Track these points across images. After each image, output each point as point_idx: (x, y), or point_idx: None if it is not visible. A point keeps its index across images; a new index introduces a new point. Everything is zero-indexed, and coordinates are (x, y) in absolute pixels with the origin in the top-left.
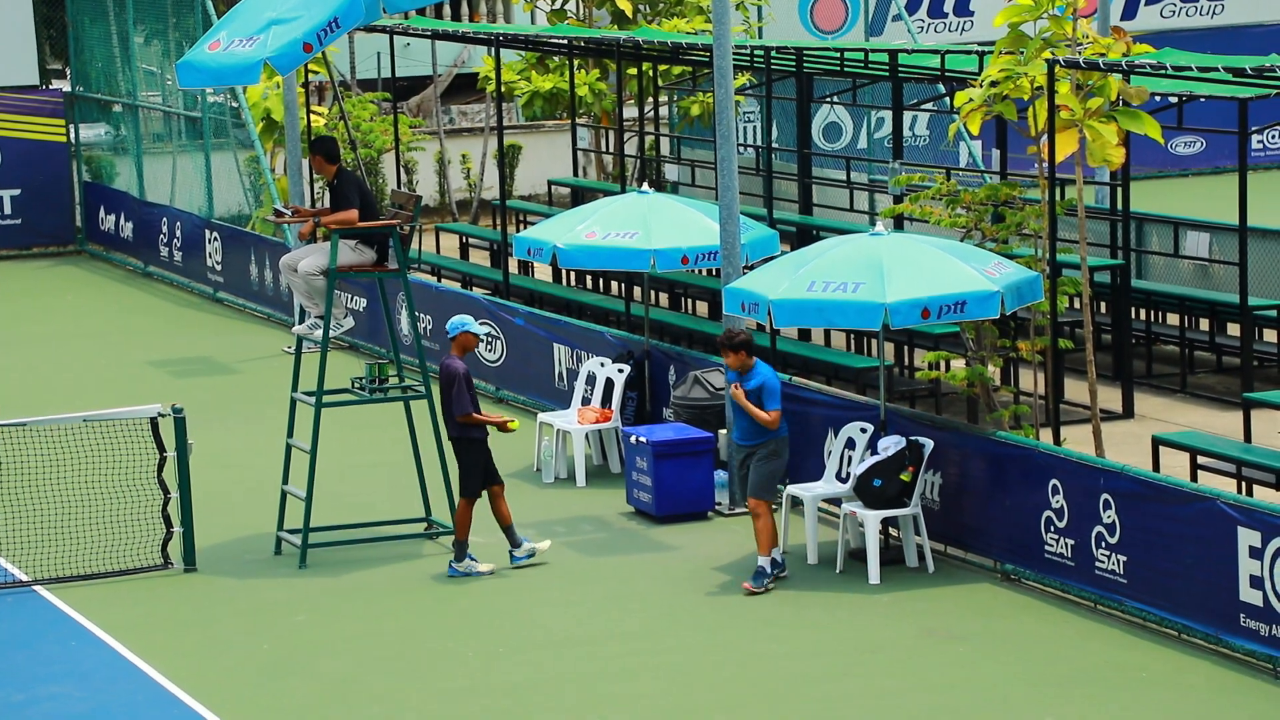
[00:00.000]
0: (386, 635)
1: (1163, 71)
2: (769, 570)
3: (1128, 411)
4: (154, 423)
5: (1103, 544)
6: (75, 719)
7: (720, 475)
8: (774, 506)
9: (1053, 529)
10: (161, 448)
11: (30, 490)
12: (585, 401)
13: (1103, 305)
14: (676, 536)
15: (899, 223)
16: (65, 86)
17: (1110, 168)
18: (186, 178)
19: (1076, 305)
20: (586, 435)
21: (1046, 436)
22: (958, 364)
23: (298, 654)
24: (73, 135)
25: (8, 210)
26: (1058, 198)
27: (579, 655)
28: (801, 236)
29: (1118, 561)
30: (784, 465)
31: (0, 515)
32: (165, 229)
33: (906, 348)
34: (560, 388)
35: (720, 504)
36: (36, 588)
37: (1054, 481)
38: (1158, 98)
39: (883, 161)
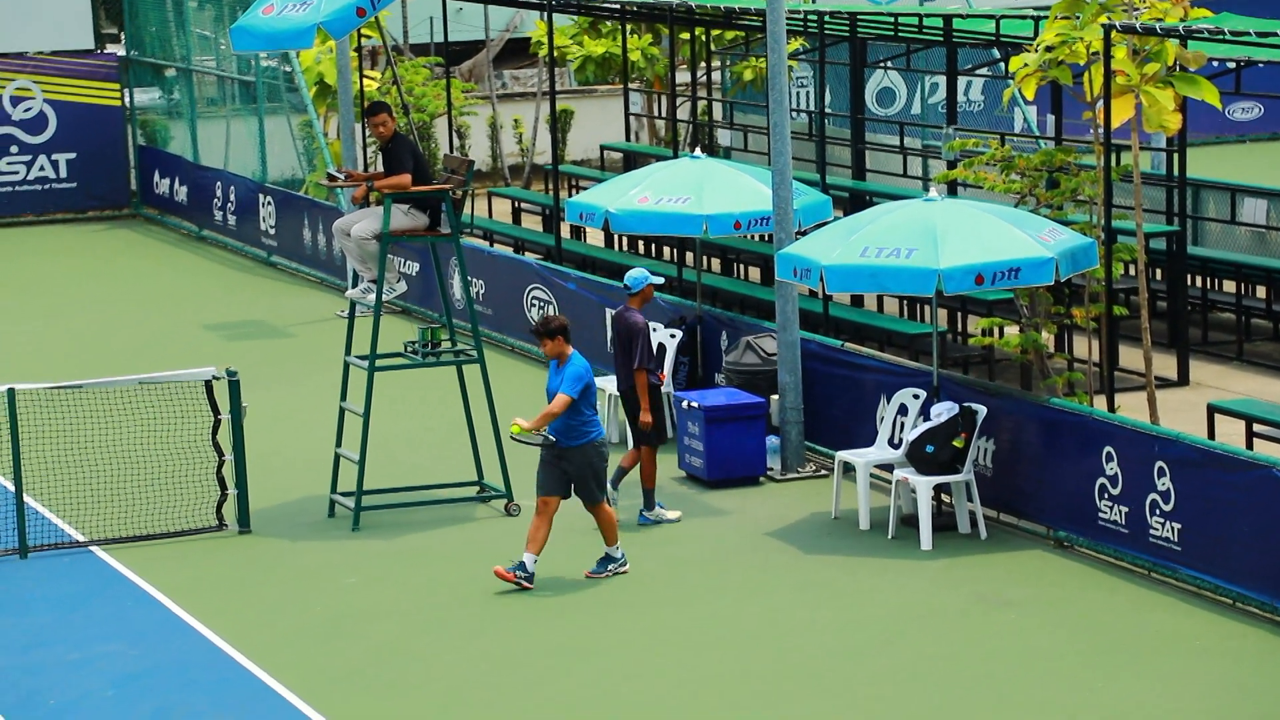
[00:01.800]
0: (437, 599)
1: (1220, 36)
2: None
3: (1183, 379)
4: (209, 385)
5: (1157, 511)
6: (130, 678)
7: (772, 440)
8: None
9: (1106, 496)
10: (216, 410)
11: (87, 452)
12: None
13: (1158, 272)
14: (728, 501)
15: (953, 188)
16: (120, 51)
17: (1166, 133)
18: (240, 142)
19: (1131, 272)
20: None
21: (1101, 403)
22: (1011, 330)
23: (348, 616)
24: (127, 99)
25: (63, 174)
26: (1113, 163)
27: (627, 619)
28: (854, 202)
29: (1172, 529)
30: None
31: (58, 477)
32: (219, 193)
33: (960, 314)
34: (612, 352)
35: (772, 469)
36: (93, 548)
37: (1108, 449)
38: (1215, 63)
39: (936, 127)
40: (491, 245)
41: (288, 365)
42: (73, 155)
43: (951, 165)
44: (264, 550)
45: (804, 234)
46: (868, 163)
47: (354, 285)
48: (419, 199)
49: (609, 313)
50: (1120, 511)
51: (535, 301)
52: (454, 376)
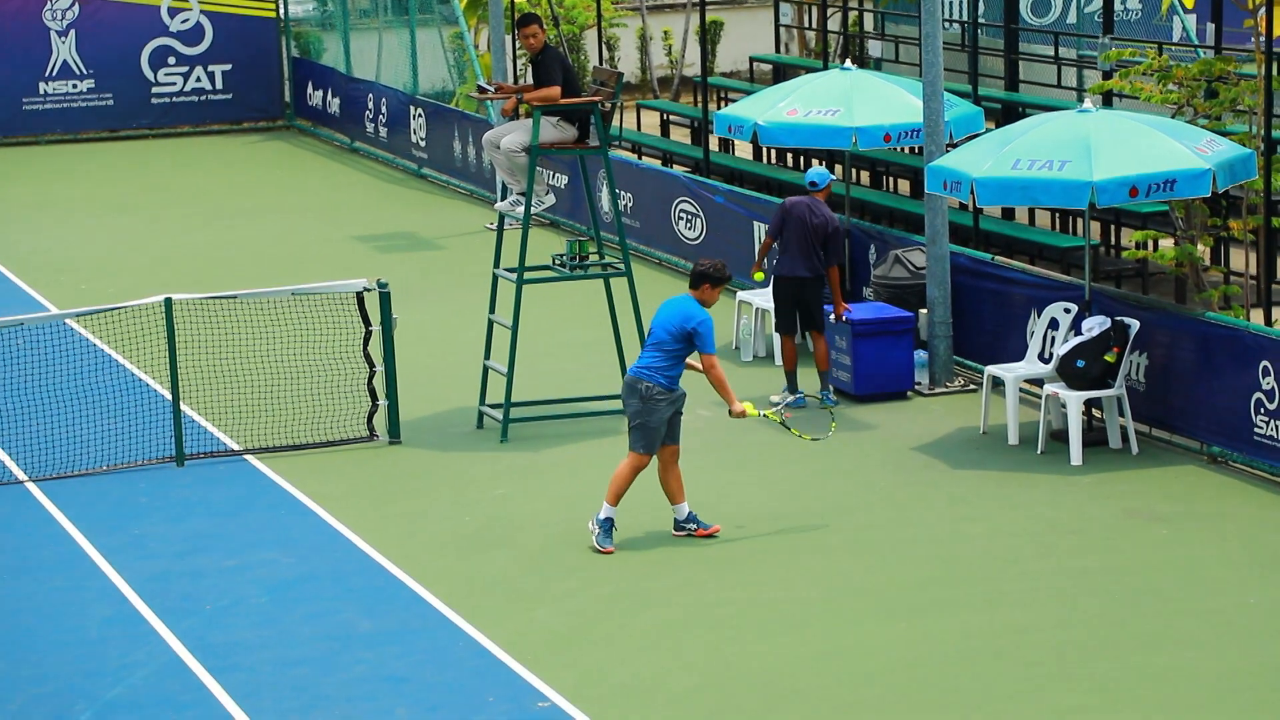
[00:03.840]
0: (584, 510)
1: None
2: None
3: None
4: (360, 297)
5: None
6: (285, 584)
7: (920, 355)
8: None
9: (1262, 411)
10: (367, 321)
11: (240, 362)
12: None
13: None
14: (875, 415)
15: (1108, 99)
16: None
17: None
18: (392, 54)
19: None
20: None
21: (1257, 317)
22: (1166, 243)
23: (497, 527)
24: (282, 11)
25: (219, 85)
26: (1275, 72)
27: (773, 531)
28: (1007, 113)
29: None
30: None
31: (212, 387)
32: (371, 105)
33: (1113, 226)
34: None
35: (919, 384)
36: (247, 457)
37: (1264, 363)
38: None
39: (1092, 37)
40: (640, 158)
41: (437, 277)
42: (228, 67)
43: (1107, 76)
44: (414, 461)
45: (955, 146)
46: (1021, 74)
47: (503, 198)
48: (568, 111)
49: (757, 226)
50: (1276, 426)
51: (683, 215)
52: (601, 289)
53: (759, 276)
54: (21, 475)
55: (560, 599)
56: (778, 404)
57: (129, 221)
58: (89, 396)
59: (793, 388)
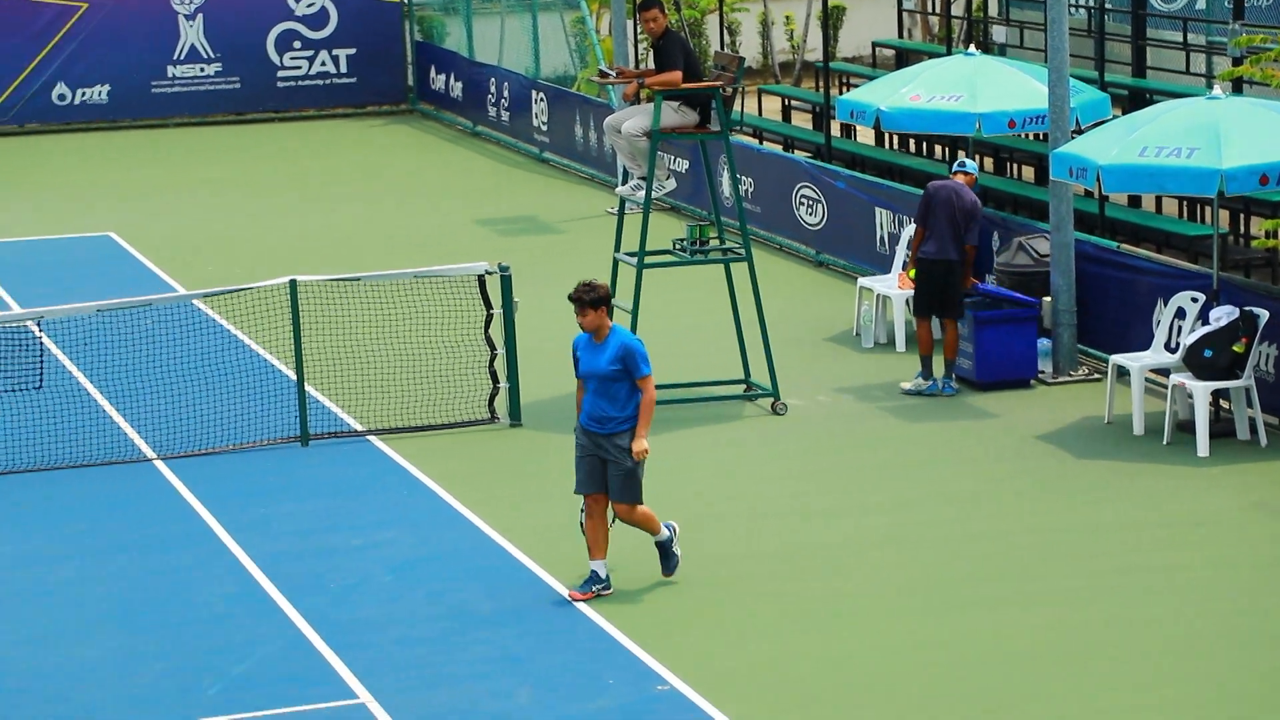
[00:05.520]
0: (704, 496)
1: None
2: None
3: None
4: (481, 280)
5: None
6: (406, 564)
7: (1044, 343)
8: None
9: None
10: (488, 304)
11: (363, 344)
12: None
13: None
14: (997, 404)
15: (1237, 86)
16: None
17: None
18: (514, 38)
19: None
20: (906, 300)
21: None
22: None
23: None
24: None
25: (343, 69)
26: None
27: (890, 520)
28: (1134, 100)
29: None
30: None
31: (336, 368)
32: (493, 89)
33: (1242, 215)
34: (881, 252)
35: (1043, 372)
36: (370, 437)
37: None
38: None
39: (1222, 22)
40: (761, 143)
41: (558, 261)
42: (353, 51)
43: (1237, 62)
44: (534, 443)
45: (1080, 133)
46: (1148, 59)
47: (624, 182)
48: (689, 96)
49: (879, 212)
50: None
51: (804, 200)
52: (722, 274)
53: (913, 274)
54: (150, 453)
55: (678, 584)
56: (909, 390)
57: (254, 204)
58: (215, 376)
59: (927, 373)
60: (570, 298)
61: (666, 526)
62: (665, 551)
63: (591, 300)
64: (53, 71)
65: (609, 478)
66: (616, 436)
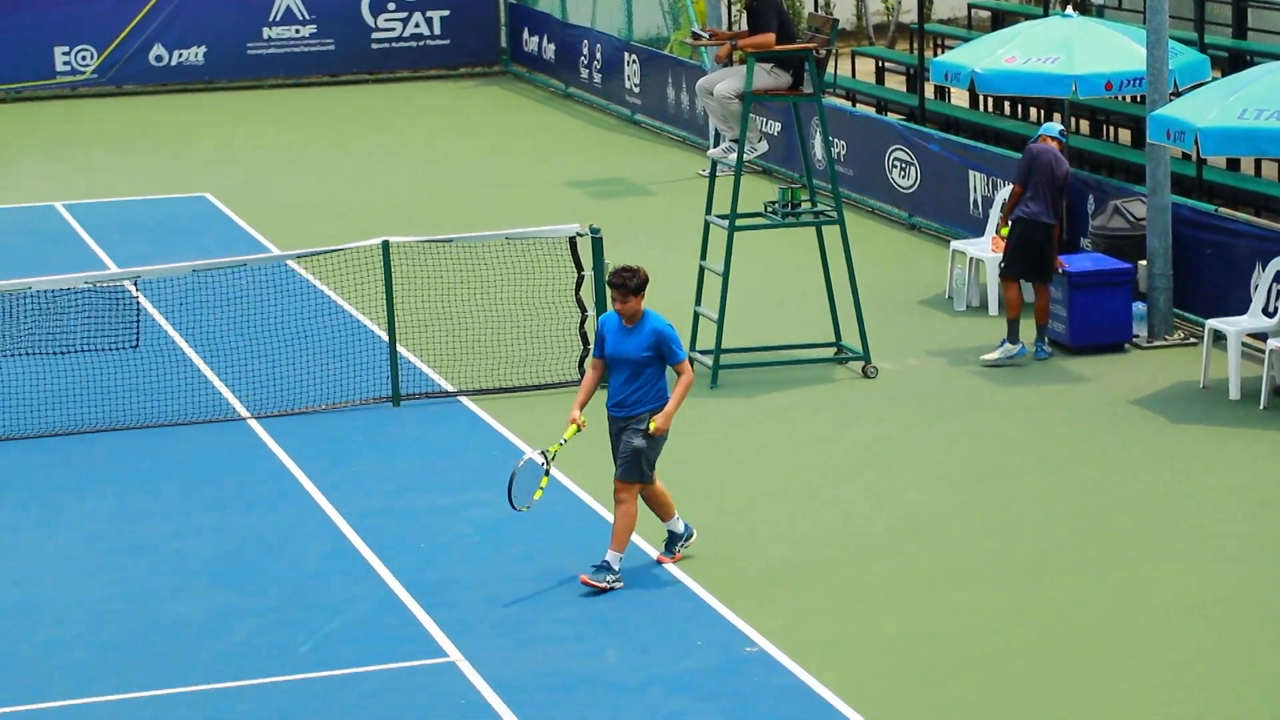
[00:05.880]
0: (794, 458)
1: None
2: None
3: None
4: (572, 242)
5: None
6: (495, 524)
7: (1139, 307)
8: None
9: None
10: (579, 266)
11: (454, 305)
12: None
13: None
14: (1090, 368)
15: None
16: None
17: None
18: (607, 0)
19: None
20: (999, 263)
21: None
22: None
23: (704, 473)
24: None
25: (437, 30)
26: None
27: (982, 486)
28: (1234, 62)
29: None
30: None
31: (427, 329)
32: (585, 51)
33: None
34: (975, 215)
35: (1138, 336)
36: (461, 398)
37: None
38: None
39: None
40: (854, 105)
41: (649, 223)
42: (446, 12)
43: None
44: None
45: (1179, 95)
46: (1250, 21)
47: (715, 144)
48: (782, 58)
49: (972, 174)
50: None
51: (897, 163)
52: (813, 237)
53: (1005, 232)
54: (245, 412)
55: (765, 546)
56: (993, 361)
57: (348, 165)
58: (308, 336)
59: (1013, 337)
60: (611, 283)
61: (686, 528)
62: (672, 539)
63: (635, 287)
64: (150, 33)
65: (618, 454)
66: (636, 420)
